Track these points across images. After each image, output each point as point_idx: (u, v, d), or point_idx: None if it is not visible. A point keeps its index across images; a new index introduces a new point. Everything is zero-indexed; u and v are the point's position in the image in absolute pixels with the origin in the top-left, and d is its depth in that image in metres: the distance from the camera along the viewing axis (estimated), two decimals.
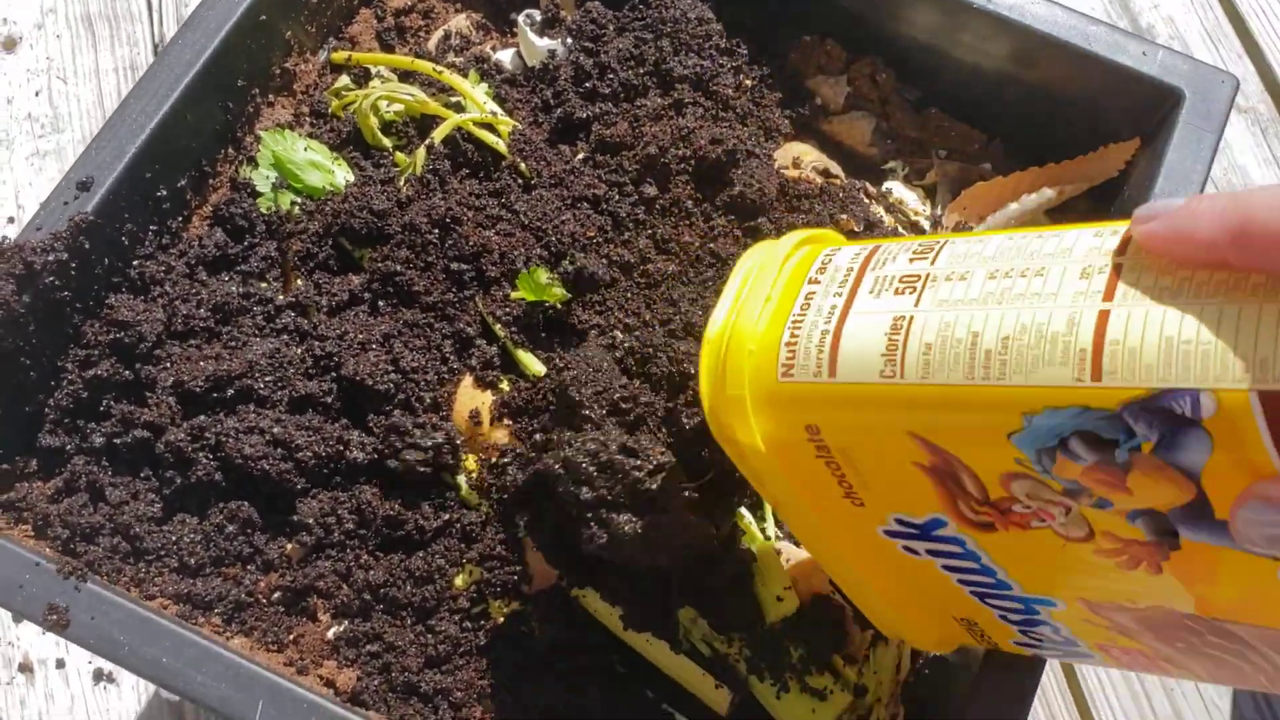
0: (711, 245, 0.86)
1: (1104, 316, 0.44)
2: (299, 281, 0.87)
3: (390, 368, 0.81)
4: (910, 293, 0.51)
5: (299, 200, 0.89)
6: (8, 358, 0.78)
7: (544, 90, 0.95)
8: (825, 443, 0.54)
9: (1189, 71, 0.85)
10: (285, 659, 0.78)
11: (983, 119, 0.97)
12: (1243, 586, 0.47)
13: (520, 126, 0.90)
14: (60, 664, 1.15)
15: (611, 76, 0.92)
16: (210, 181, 0.90)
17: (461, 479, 0.81)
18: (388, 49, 1.00)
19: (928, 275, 0.51)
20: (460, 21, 1.00)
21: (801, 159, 0.92)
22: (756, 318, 0.56)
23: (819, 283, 0.55)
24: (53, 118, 1.41)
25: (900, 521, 0.57)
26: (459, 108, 0.91)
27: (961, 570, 0.58)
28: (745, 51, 0.96)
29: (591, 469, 0.66)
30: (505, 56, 0.98)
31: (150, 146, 0.82)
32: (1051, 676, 1.13)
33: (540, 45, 0.95)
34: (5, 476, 0.81)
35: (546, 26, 0.97)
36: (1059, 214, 0.93)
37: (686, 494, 0.67)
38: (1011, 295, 0.48)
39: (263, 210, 0.88)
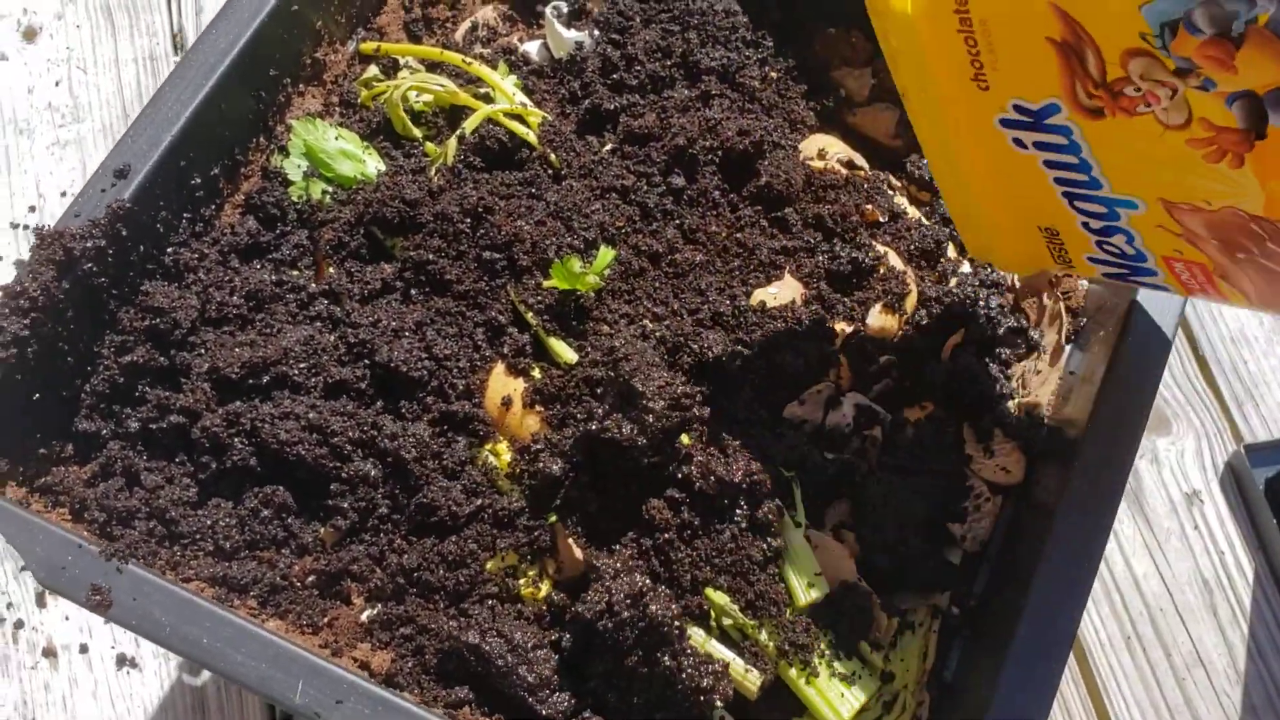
0: (739, 235, 0.87)
1: None
2: (330, 270, 0.88)
3: (424, 354, 0.82)
4: None
5: (330, 189, 0.90)
6: (46, 343, 0.79)
7: (571, 82, 0.96)
8: (969, 13, 0.57)
9: None
10: (320, 641, 0.78)
11: None
12: None
13: (550, 118, 0.91)
14: (84, 649, 1.16)
15: (639, 68, 0.93)
16: (242, 170, 0.91)
17: (494, 463, 0.82)
18: (415, 40, 1.01)
19: None
20: (487, 13, 1.01)
21: (826, 150, 0.93)
22: None
23: None
24: (73, 107, 1.42)
25: (1018, 108, 0.60)
26: (487, 99, 0.92)
27: (1060, 166, 0.62)
28: (770, 44, 0.97)
29: None
30: (532, 48, 0.99)
31: (185, 135, 0.83)
32: (1067, 667, 1.14)
33: (568, 37, 0.96)
34: (42, 461, 0.82)
35: (573, 18, 0.98)
36: None
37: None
38: None
39: (294, 199, 0.89)
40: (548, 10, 0.98)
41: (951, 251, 0.92)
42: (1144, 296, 0.80)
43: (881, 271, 0.87)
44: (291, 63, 0.92)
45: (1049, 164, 0.63)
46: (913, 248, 0.90)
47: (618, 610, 0.73)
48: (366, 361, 0.83)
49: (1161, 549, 1.20)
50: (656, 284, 0.86)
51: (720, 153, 0.88)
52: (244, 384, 0.82)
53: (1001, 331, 0.85)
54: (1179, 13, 0.49)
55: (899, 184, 0.96)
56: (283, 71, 0.92)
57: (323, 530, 0.82)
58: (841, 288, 0.87)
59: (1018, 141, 0.62)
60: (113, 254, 0.81)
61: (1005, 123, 0.62)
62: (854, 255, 0.86)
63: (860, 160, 0.94)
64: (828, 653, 0.76)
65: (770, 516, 0.75)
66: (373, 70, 0.97)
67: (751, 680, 0.75)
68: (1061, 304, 0.89)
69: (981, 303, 0.85)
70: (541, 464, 0.79)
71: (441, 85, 0.90)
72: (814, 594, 0.75)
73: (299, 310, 0.86)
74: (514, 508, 0.80)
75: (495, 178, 0.88)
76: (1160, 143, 0.55)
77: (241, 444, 0.81)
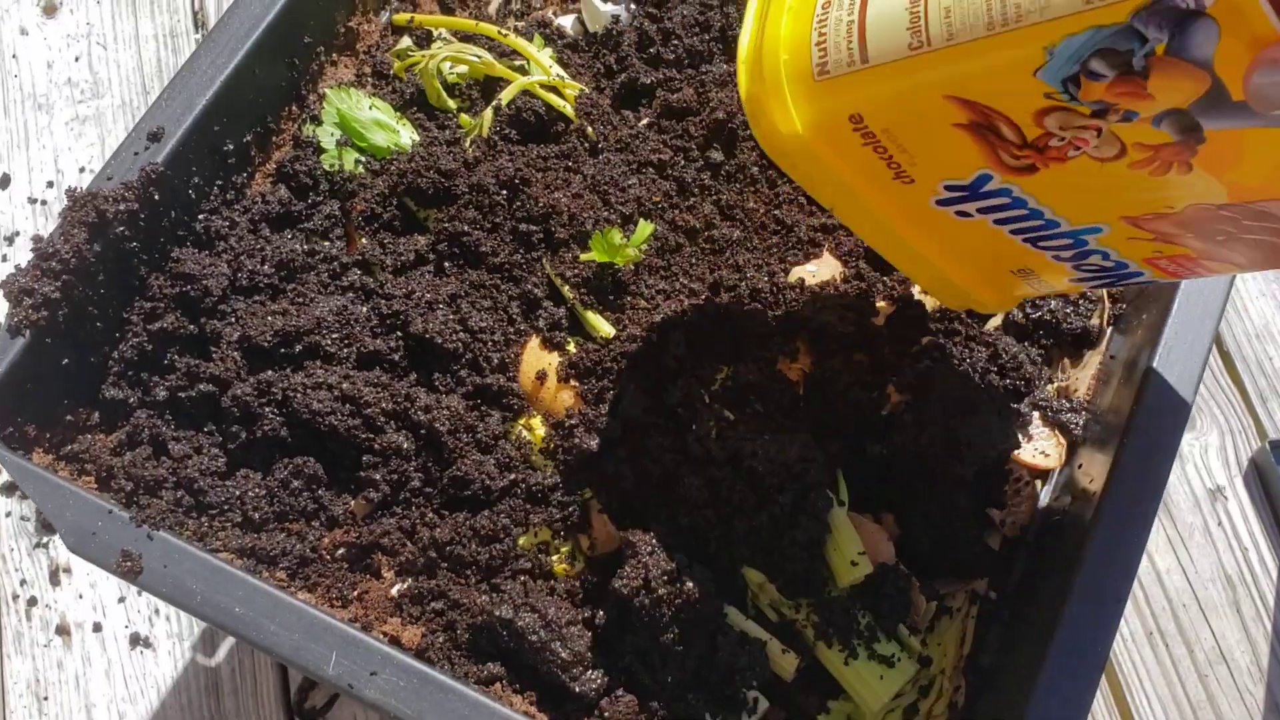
0: (776, 211, 0.86)
1: None
2: (363, 240, 0.87)
3: (458, 327, 0.81)
4: None
5: (363, 159, 0.88)
6: (75, 307, 0.77)
7: (607, 55, 0.95)
8: (870, 128, 0.57)
9: None
10: (350, 615, 0.77)
11: None
12: (1269, 163, 0.51)
13: (587, 90, 0.90)
14: (97, 628, 1.15)
15: (676, 43, 0.92)
16: (274, 138, 0.90)
17: (528, 437, 0.81)
18: (448, 11, 1.00)
19: None
20: None
21: None
22: (779, 30, 0.58)
23: None
24: (92, 83, 1.41)
25: (949, 187, 0.60)
26: (523, 71, 0.91)
27: (1012, 220, 0.61)
28: None
29: None
30: (567, 22, 0.98)
31: (219, 100, 0.82)
32: None
33: (604, 10, 0.95)
34: (68, 427, 0.81)
35: None
36: None
37: None
38: None
39: (326, 167, 0.88)
40: None
41: None
42: (1186, 282, 0.79)
43: None
44: (326, 30, 0.91)
45: (1000, 221, 0.62)
46: None
47: (654, 587, 0.72)
48: (400, 333, 0.82)
49: (1185, 544, 1.19)
50: (693, 260, 0.85)
51: None
52: (276, 353, 0.80)
53: (1067, 330, 0.84)
54: (1074, 68, 0.49)
55: None
56: (316, 39, 0.91)
57: (353, 502, 0.80)
58: (881, 266, 0.85)
59: (961, 213, 0.62)
60: (144, 218, 0.79)
61: (942, 202, 0.61)
62: None
63: None
64: (865, 634, 0.74)
65: (817, 498, 0.73)
66: (406, 41, 0.96)
67: (788, 661, 0.74)
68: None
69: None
70: (577, 439, 0.78)
71: (477, 56, 0.89)
72: (857, 572, 0.74)
73: (331, 280, 0.85)
74: (547, 483, 0.79)
75: (531, 150, 0.87)
76: (1103, 174, 0.55)
77: (272, 414, 0.79)
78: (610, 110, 0.90)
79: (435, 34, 0.96)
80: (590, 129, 0.88)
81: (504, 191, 0.84)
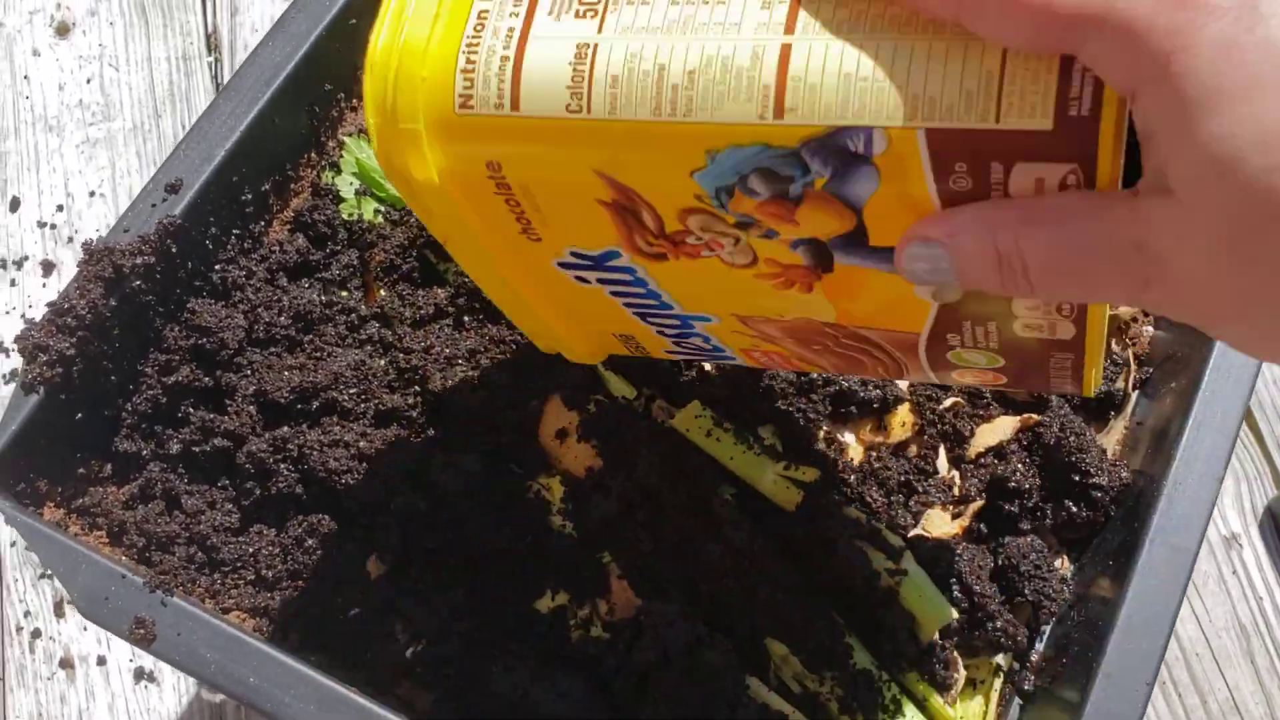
0: None
1: (786, 51, 0.44)
2: (381, 292, 0.85)
3: (478, 383, 0.80)
4: (593, 16, 0.48)
5: (383, 209, 0.87)
6: (90, 361, 0.76)
7: None
8: (506, 180, 0.52)
9: None
10: (362, 677, 0.76)
11: None
12: (880, 300, 0.52)
13: None
14: (101, 661, 1.14)
15: None
16: (292, 185, 0.89)
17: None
18: None
19: None
20: None
21: None
22: (426, 38, 0.50)
23: (489, 5, 0.50)
24: (104, 105, 1.40)
25: (575, 254, 0.57)
26: None
27: (628, 295, 0.60)
28: None
29: None
30: None
31: (239, 150, 0.81)
32: None
33: None
34: (80, 481, 0.80)
35: None
36: None
37: None
38: (695, 24, 0.46)
39: (345, 216, 0.87)
40: None
41: None
42: (1220, 348, 0.78)
43: None
44: (346, 77, 0.90)
45: (617, 294, 0.60)
46: None
47: (674, 659, 0.71)
48: (418, 389, 0.81)
49: (1199, 592, 1.19)
50: None
51: None
52: (292, 408, 0.79)
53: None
54: (731, 179, 0.46)
55: None
56: (337, 86, 0.89)
57: (368, 562, 0.79)
58: None
59: (580, 279, 0.59)
60: (161, 271, 0.78)
61: (564, 265, 0.58)
62: None
63: None
64: (890, 708, 0.73)
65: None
66: None
67: None
68: (1130, 350, 0.87)
69: None
70: (595, 502, 0.77)
71: None
72: (944, 616, 0.75)
73: (349, 333, 0.84)
74: (565, 545, 0.78)
75: None
76: (729, 276, 0.53)
77: (288, 470, 0.78)
78: None
79: None
80: None
81: None
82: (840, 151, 0.44)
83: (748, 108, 0.45)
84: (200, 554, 0.78)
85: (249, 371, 0.81)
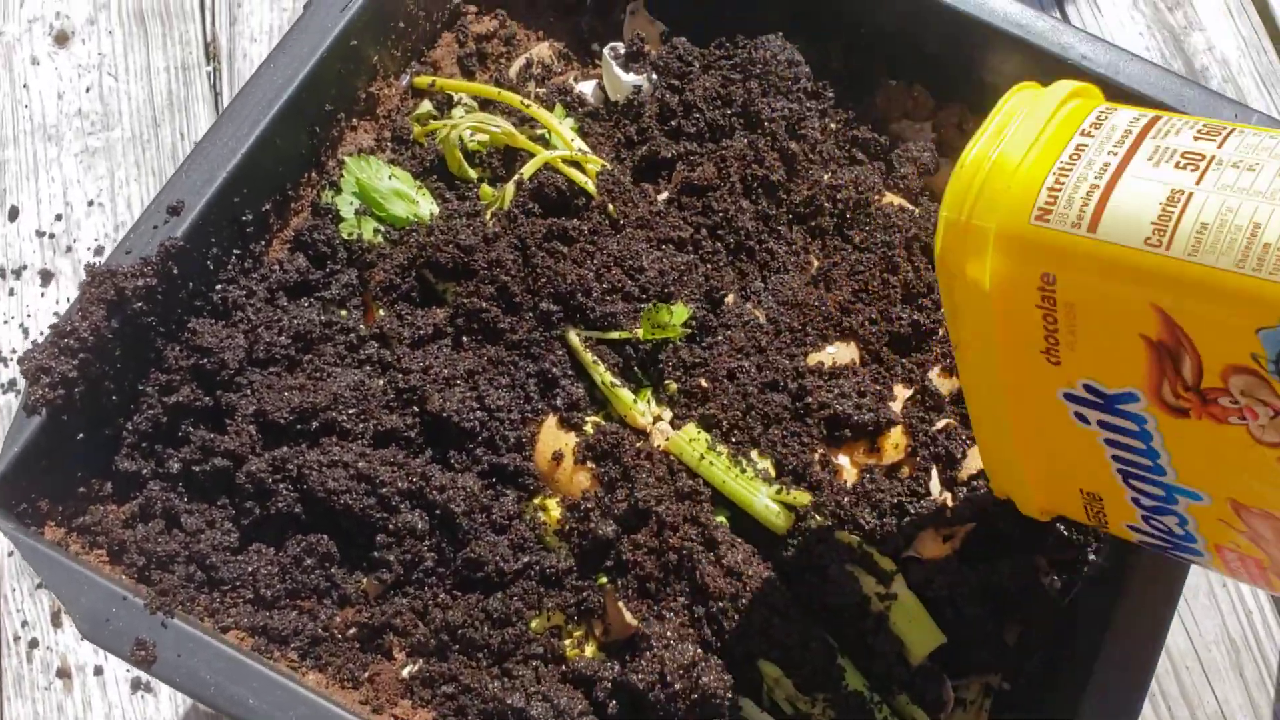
0: (801, 293, 0.86)
1: None
2: (380, 312, 0.86)
3: (475, 405, 0.81)
4: (1193, 170, 0.51)
5: (382, 229, 0.88)
6: (92, 382, 0.77)
7: (628, 126, 0.94)
8: (1055, 294, 0.53)
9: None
10: (360, 696, 0.77)
11: None
12: None
13: (608, 165, 0.89)
14: (98, 671, 1.15)
15: (698, 115, 0.92)
16: (292, 205, 0.90)
17: (542, 519, 0.81)
18: (468, 75, 1.00)
19: (1213, 157, 0.51)
20: (542, 50, 1.00)
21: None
22: (1021, 156, 0.55)
23: (1092, 137, 0.55)
24: (103, 114, 1.40)
25: (1089, 388, 0.56)
26: (543, 140, 0.91)
27: (1124, 447, 0.58)
28: (831, 95, 0.96)
29: None
30: (587, 88, 0.97)
31: (240, 170, 0.81)
32: None
33: (626, 80, 0.95)
34: (80, 500, 0.80)
35: (631, 60, 0.96)
36: None
37: None
38: None
39: (345, 236, 0.88)
40: (605, 51, 0.96)
41: None
42: None
43: (941, 334, 0.86)
44: (346, 97, 0.91)
45: (1111, 442, 0.59)
46: None
47: (670, 681, 0.72)
48: (416, 409, 0.82)
49: (1189, 606, 1.20)
50: (716, 342, 0.84)
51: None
52: (291, 429, 0.80)
53: None
54: None
55: None
56: (337, 106, 0.90)
57: (366, 582, 0.80)
58: (902, 350, 0.85)
59: (1080, 416, 0.58)
60: (163, 292, 0.79)
61: (1071, 398, 0.58)
62: (914, 318, 0.85)
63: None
64: None
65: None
66: (426, 105, 0.95)
67: None
68: None
69: None
70: (593, 524, 0.78)
71: (499, 126, 0.89)
72: (932, 641, 0.75)
73: (348, 353, 0.84)
74: (562, 566, 0.79)
75: (552, 225, 0.86)
76: (1247, 453, 0.52)
77: (287, 490, 0.79)
78: (631, 186, 0.89)
79: (456, 98, 0.96)
80: (611, 205, 0.87)
81: (524, 268, 0.83)
82: None
83: None
84: (200, 572, 0.78)
85: (249, 391, 0.82)
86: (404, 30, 0.96)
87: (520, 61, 0.99)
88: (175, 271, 0.79)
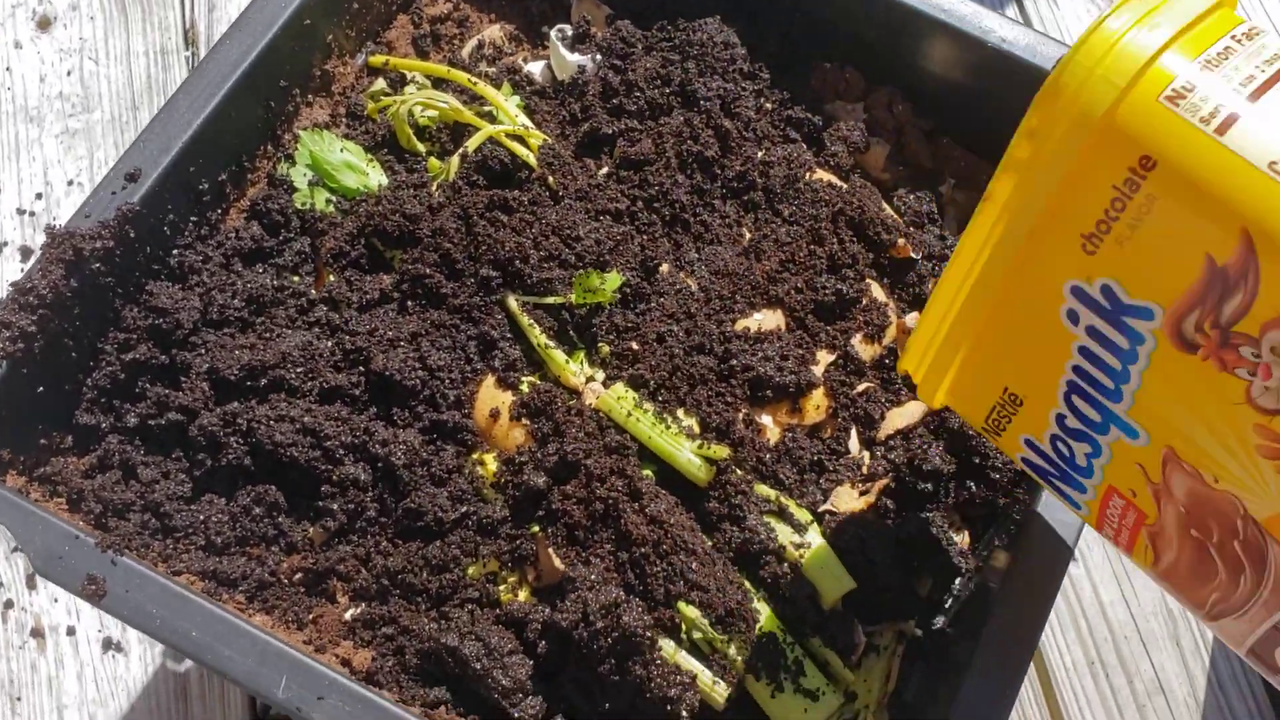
0: (733, 263, 0.90)
1: None
2: (330, 277, 0.91)
3: (418, 365, 0.85)
4: None
5: (334, 199, 0.92)
6: (51, 338, 0.81)
7: (572, 104, 0.99)
8: (1144, 180, 0.51)
9: None
10: (304, 637, 0.81)
11: (993, 151, 1.01)
12: None
13: (549, 140, 0.94)
14: (71, 631, 1.19)
15: (638, 94, 0.96)
16: (249, 175, 0.94)
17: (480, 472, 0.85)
18: (423, 55, 1.04)
19: None
20: (494, 32, 1.04)
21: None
22: (1171, 36, 0.52)
23: (1243, 45, 0.52)
24: (83, 97, 1.44)
25: (1107, 291, 0.53)
26: (491, 118, 0.95)
27: (1096, 361, 0.55)
28: (767, 76, 1.00)
29: None
30: (536, 69, 1.02)
31: (196, 141, 0.86)
32: (1029, 690, 1.17)
33: (571, 60, 0.99)
34: (41, 451, 0.84)
35: (577, 41, 1.01)
36: None
37: None
38: None
39: (298, 206, 0.92)
40: (552, 33, 1.01)
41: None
42: None
43: (864, 303, 0.90)
44: (301, 74, 0.95)
45: (1084, 351, 0.55)
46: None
47: (592, 620, 0.76)
48: (361, 369, 0.86)
49: (1130, 577, 1.23)
50: (649, 308, 0.89)
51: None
52: (242, 385, 0.84)
53: None
54: None
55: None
56: (292, 82, 0.94)
57: (312, 530, 0.85)
58: (825, 318, 0.89)
59: (1071, 314, 0.55)
60: (120, 254, 0.83)
61: (1078, 292, 0.54)
62: (839, 287, 0.89)
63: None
64: (792, 669, 0.78)
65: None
66: (380, 83, 1.00)
67: (719, 692, 0.78)
68: None
69: None
70: (526, 476, 0.82)
71: (446, 102, 0.93)
72: (841, 588, 0.79)
73: (298, 315, 0.89)
74: (497, 516, 0.83)
75: (494, 196, 0.91)
76: (1225, 408, 0.50)
77: (237, 443, 0.83)
78: (571, 160, 0.94)
79: (410, 77, 1.00)
80: (551, 178, 0.92)
81: (466, 236, 0.88)
82: None
83: None
84: (154, 520, 0.83)
85: (203, 350, 0.86)
86: (359, 11, 1.00)
87: (473, 43, 1.04)
88: (132, 235, 0.84)
